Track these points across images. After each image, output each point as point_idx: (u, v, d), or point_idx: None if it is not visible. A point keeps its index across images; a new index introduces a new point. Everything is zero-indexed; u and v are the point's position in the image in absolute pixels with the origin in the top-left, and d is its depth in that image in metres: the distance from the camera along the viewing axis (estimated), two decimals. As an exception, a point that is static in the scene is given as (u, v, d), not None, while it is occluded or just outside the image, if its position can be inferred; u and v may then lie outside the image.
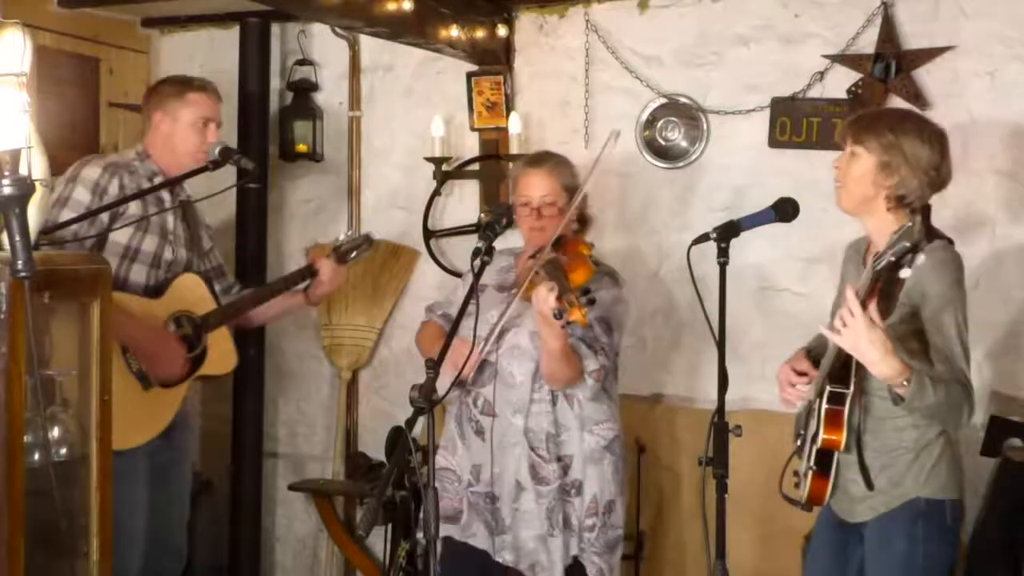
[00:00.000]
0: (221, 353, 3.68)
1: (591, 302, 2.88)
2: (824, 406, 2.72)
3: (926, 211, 2.60)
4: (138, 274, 3.51)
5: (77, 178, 3.43)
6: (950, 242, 2.78)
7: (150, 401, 3.48)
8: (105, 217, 3.41)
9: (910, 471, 2.75)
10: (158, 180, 3.57)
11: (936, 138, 2.81)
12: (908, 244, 2.47)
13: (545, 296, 2.90)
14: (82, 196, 3.39)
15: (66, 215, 3.33)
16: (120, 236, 3.45)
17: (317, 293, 3.83)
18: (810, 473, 2.78)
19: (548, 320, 2.93)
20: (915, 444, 2.75)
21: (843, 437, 2.71)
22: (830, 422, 2.71)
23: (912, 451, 2.75)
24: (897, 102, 3.90)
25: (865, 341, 2.51)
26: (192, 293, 3.61)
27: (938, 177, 2.79)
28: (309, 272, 3.80)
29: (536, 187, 3.30)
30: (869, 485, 2.75)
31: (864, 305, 2.52)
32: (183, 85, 3.62)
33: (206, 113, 3.59)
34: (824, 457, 2.75)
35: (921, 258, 2.48)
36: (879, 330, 2.51)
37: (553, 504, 3.23)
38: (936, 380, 2.59)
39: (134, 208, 3.48)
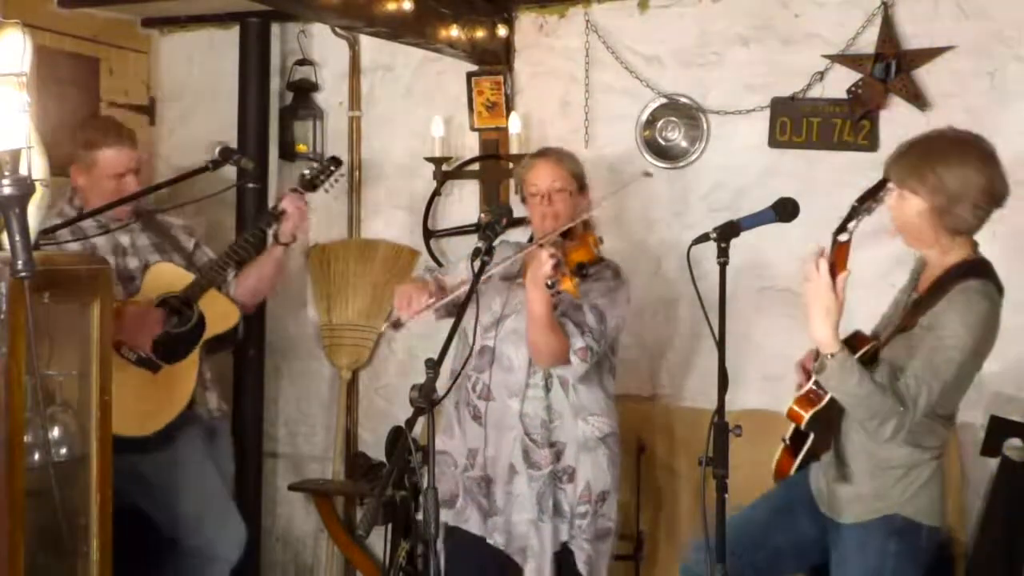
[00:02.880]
0: (219, 312, 3.71)
1: (584, 276, 2.95)
2: (808, 386, 2.78)
3: (883, 182, 2.70)
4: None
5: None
6: (998, 288, 2.74)
7: (164, 382, 3.54)
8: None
9: (897, 486, 2.76)
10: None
11: (983, 159, 2.73)
12: (857, 204, 2.60)
13: (543, 260, 2.98)
14: None
15: None
16: None
17: (285, 231, 3.77)
18: (781, 446, 2.84)
19: (538, 284, 3.00)
20: (906, 461, 2.75)
21: (806, 417, 2.76)
22: (805, 399, 2.78)
23: (903, 467, 2.75)
24: (897, 102, 3.90)
25: (814, 295, 2.59)
26: (168, 276, 3.65)
27: (992, 197, 2.74)
28: (274, 213, 3.76)
29: (545, 175, 3.37)
30: (844, 477, 2.78)
31: (832, 271, 2.58)
32: (91, 144, 3.62)
33: (117, 169, 3.61)
34: (797, 435, 2.82)
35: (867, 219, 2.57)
36: (832, 294, 2.58)
37: (544, 489, 3.27)
38: (873, 380, 2.58)
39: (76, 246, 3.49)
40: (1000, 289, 2.76)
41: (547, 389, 3.30)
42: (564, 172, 3.39)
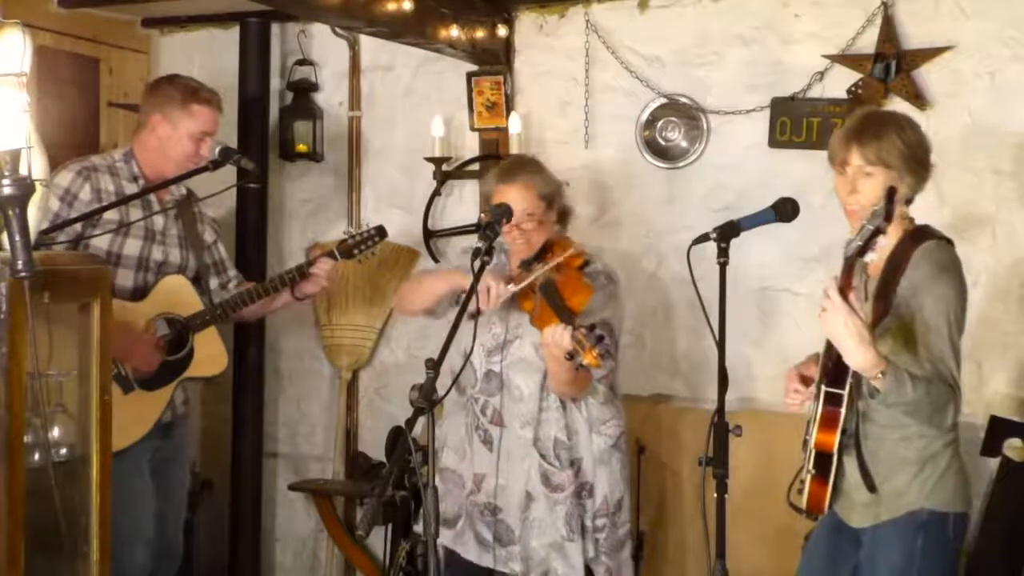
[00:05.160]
0: (209, 355, 3.65)
1: (600, 339, 2.89)
2: (820, 408, 2.69)
3: (891, 193, 2.57)
4: (124, 278, 3.51)
5: (49, 186, 3.41)
6: (948, 242, 2.76)
7: (131, 405, 3.44)
8: (79, 224, 3.39)
9: (915, 482, 2.71)
10: (141, 183, 3.56)
11: (915, 124, 2.80)
12: (872, 228, 2.47)
13: (559, 338, 2.94)
14: (52, 204, 3.39)
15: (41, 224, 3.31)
16: (100, 242, 3.45)
17: (304, 291, 3.75)
18: (809, 477, 2.75)
19: (558, 359, 2.99)
20: (920, 454, 2.71)
21: (836, 439, 2.67)
22: (824, 424, 2.68)
23: (917, 462, 2.71)
24: (897, 102, 3.90)
25: (841, 327, 2.49)
26: (177, 295, 3.59)
27: (929, 157, 2.78)
28: (305, 269, 3.72)
29: (513, 201, 3.23)
30: (871, 488, 2.72)
31: (843, 293, 2.51)
32: (189, 94, 3.57)
33: (207, 128, 3.57)
34: (822, 461, 2.72)
35: (882, 240, 2.49)
36: (857, 318, 2.49)
37: (571, 509, 3.23)
38: (917, 378, 2.56)
39: (112, 213, 3.46)
40: (950, 241, 2.76)
41: (563, 409, 3.27)
42: (532, 196, 3.27)
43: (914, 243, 2.71)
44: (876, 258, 2.55)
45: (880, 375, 2.51)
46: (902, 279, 2.66)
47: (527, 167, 3.40)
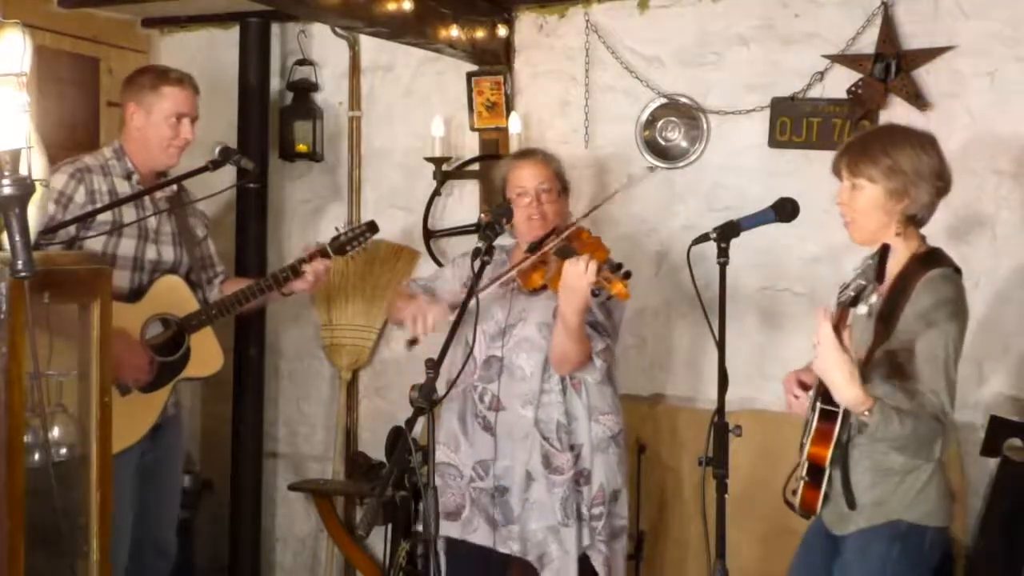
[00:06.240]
0: (205, 354, 3.63)
1: (628, 275, 2.88)
2: (815, 423, 2.70)
3: (884, 251, 2.58)
4: (119, 279, 3.45)
5: (47, 186, 3.36)
6: (956, 270, 2.74)
7: (129, 407, 3.42)
8: (73, 227, 3.37)
9: (896, 493, 2.72)
10: (135, 179, 3.54)
11: (930, 143, 2.76)
12: (864, 283, 2.52)
13: (583, 270, 2.92)
14: (48, 207, 3.34)
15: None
16: (95, 244, 3.43)
17: (293, 288, 3.73)
18: (802, 483, 2.77)
19: (580, 293, 2.95)
20: (902, 467, 2.71)
21: (829, 453, 2.68)
22: (819, 438, 2.70)
23: (899, 474, 2.71)
24: (897, 102, 3.90)
25: (831, 363, 2.51)
26: (173, 295, 3.57)
27: (943, 183, 2.75)
28: (298, 267, 3.69)
29: (531, 176, 3.33)
30: (851, 504, 2.72)
31: (836, 331, 2.52)
32: (158, 78, 3.56)
33: (180, 108, 3.53)
34: (815, 471, 2.74)
35: (875, 299, 2.53)
36: (847, 356, 2.50)
37: (568, 494, 3.24)
38: (905, 413, 2.56)
39: (106, 214, 3.43)
40: (958, 269, 2.75)
41: (564, 392, 3.28)
42: (550, 173, 3.36)
43: (922, 268, 2.69)
44: (867, 311, 2.58)
45: (867, 412, 2.53)
46: (906, 306, 2.65)
47: (543, 151, 3.49)
